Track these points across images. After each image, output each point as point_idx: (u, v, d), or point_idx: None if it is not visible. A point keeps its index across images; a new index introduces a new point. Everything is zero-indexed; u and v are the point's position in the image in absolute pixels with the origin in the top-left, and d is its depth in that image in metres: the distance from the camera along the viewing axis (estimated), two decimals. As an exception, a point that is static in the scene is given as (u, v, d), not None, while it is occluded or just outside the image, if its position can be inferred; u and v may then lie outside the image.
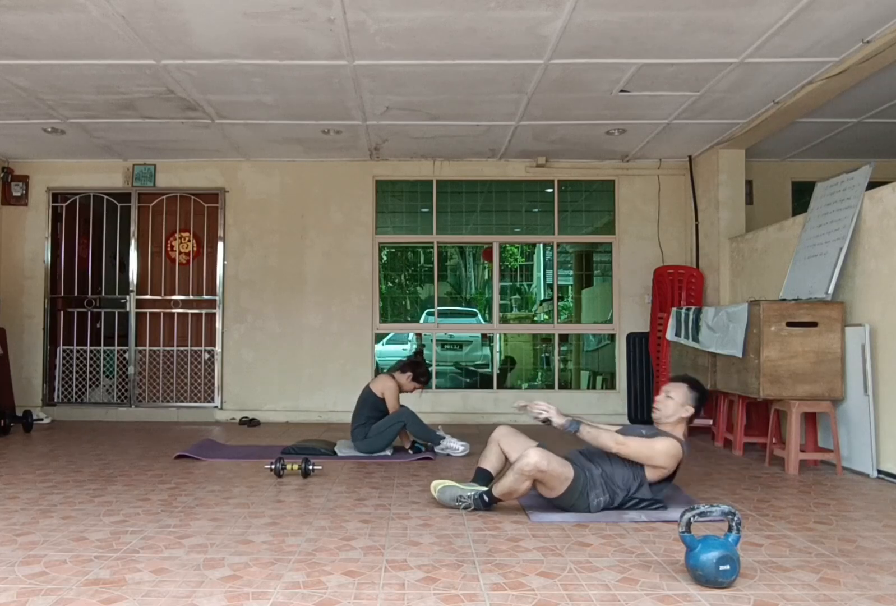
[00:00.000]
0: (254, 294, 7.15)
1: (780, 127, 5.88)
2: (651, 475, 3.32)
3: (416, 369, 5.20)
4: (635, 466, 3.32)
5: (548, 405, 3.38)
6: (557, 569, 2.58)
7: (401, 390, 5.18)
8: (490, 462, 3.66)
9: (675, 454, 3.30)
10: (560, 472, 3.20)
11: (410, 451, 5.09)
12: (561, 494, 3.25)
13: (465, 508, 3.38)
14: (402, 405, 5.18)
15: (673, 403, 3.43)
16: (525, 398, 3.58)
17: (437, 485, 3.53)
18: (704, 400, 3.50)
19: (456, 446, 5.04)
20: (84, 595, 2.30)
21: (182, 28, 4.08)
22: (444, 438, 5.06)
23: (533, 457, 3.15)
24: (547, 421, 3.33)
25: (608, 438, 3.28)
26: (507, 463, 3.64)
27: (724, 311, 5.13)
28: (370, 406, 5.06)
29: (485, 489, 3.42)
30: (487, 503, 3.35)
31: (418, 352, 5.50)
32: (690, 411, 3.43)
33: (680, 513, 2.53)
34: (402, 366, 5.25)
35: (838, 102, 5.39)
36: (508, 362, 9.00)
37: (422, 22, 4.00)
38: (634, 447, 3.27)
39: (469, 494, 3.39)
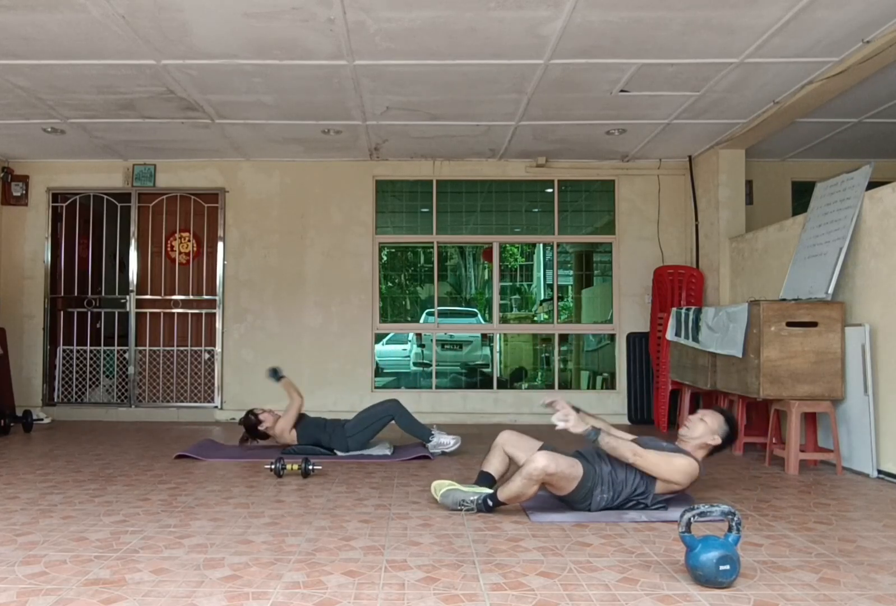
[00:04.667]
0: (254, 294, 7.15)
1: (780, 127, 5.88)
2: (661, 487, 3.33)
3: (251, 423, 5.08)
4: (646, 475, 3.32)
5: (569, 411, 3.36)
6: (557, 569, 2.58)
7: (279, 425, 5.03)
8: (493, 466, 3.66)
9: (692, 473, 3.30)
10: (569, 473, 3.20)
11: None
12: (570, 492, 3.26)
13: (467, 511, 3.38)
14: (392, 399, 5.16)
15: (704, 426, 3.43)
16: (549, 396, 3.55)
17: (438, 487, 3.52)
18: (733, 439, 3.52)
19: (447, 441, 5.01)
20: (84, 595, 2.30)
21: (182, 28, 4.08)
22: (433, 435, 5.03)
23: (541, 461, 3.14)
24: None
25: (627, 448, 3.26)
26: (511, 467, 3.65)
27: (724, 311, 5.13)
28: (308, 435, 4.97)
29: (488, 491, 3.41)
30: (491, 507, 3.34)
31: (243, 438, 5.24)
32: (717, 441, 3.42)
33: (680, 513, 2.53)
34: (255, 434, 5.10)
35: (838, 102, 5.39)
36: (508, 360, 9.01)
37: (422, 22, 4.00)
38: (652, 460, 3.26)
39: (472, 498, 3.38)
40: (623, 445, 3.28)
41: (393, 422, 5.07)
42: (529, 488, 3.20)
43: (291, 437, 5.01)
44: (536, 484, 3.19)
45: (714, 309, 5.34)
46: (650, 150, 6.73)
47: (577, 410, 3.47)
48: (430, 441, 5.01)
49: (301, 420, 5.07)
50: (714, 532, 2.85)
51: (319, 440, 4.98)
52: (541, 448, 3.46)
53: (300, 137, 6.35)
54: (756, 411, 5.38)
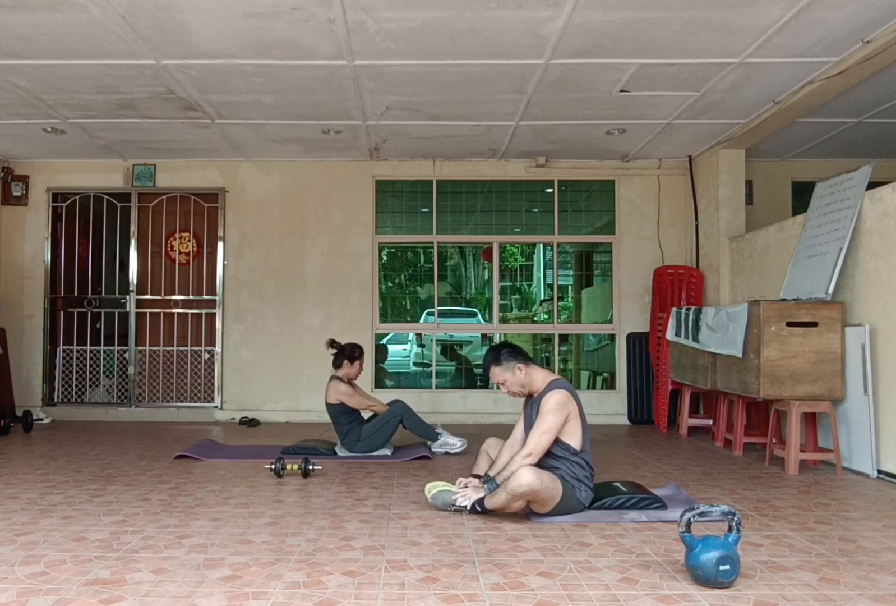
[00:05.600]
0: (254, 294, 7.15)
1: (780, 127, 5.88)
2: (570, 440, 3.31)
3: (344, 354, 5.10)
4: (560, 450, 3.31)
5: (463, 491, 3.38)
6: (557, 569, 2.58)
7: (352, 379, 5.12)
8: (482, 470, 3.66)
9: (563, 400, 3.30)
10: (552, 487, 3.18)
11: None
12: (554, 507, 3.23)
13: (455, 511, 3.38)
14: (397, 400, 5.18)
15: (509, 381, 3.46)
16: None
17: (430, 488, 3.53)
18: (512, 349, 3.51)
19: (453, 442, 5.04)
20: (84, 595, 2.30)
21: (182, 28, 4.08)
22: (440, 434, 5.06)
23: (525, 478, 3.10)
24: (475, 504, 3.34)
25: (518, 463, 3.23)
26: None
27: (724, 311, 5.13)
28: (341, 415, 5.00)
29: (478, 496, 3.41)
30: (478, 512, 3.34)
31: (331, 343, 5.25)
32: (521, 367, 3.44)
33: (680, 513, 2.53)
34: (335, 362, 5.13)
35: (838, 102, 5.39)
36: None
37: (422, 22, 4.00)
38: (538, 437, 3.26)
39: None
40: (513, 464, 3.27)
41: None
42: (514, 502, 3.18)
43: (332, 399, 4.99)
44: (521, 500, 3.16)
45: (714, 309, 5.34)
46: (650, 150, 6.73)
47: (482, 477, 3.49)
48: (437, 441, 5.05)
49: (347, 407, 5.02)
50: (714, 531, 2.85)
51: (338, 424, 4.99)
52: None
53: (300, 137, 6.35)
54: (756, 411, 5.38)
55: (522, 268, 16.55)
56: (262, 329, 7.14)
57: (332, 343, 5.19)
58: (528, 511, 3.31)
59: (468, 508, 3.35)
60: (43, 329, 7.18)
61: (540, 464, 3.33)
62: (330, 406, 5.03)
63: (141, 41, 4.25)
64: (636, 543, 2.92)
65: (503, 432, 3.96)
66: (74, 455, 4.96)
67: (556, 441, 3.32)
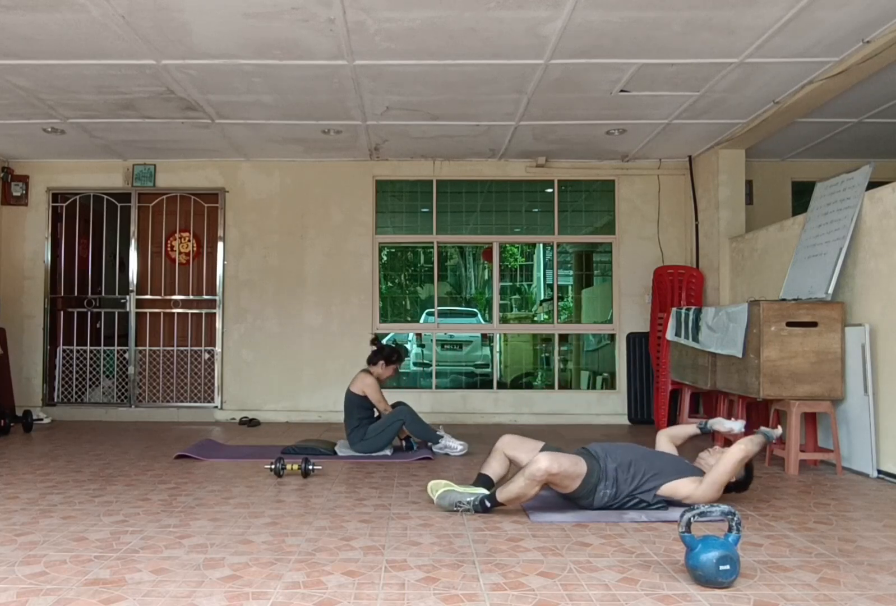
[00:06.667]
0: (254, 294, 7.15)
1: (780, 127, 5.88)
2: (667, 490, 3.33)
3: (383, 354, 5.22)
4: (658, 478, 3.34)
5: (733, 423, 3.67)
6: (557, 569, 2.58)
7: (381, 380, 5.20)
8: (492, 469, 3.63)
9: (716, 497, 3.32)
10: (571, 471, 3.20)
11: (403, 443, 5.11)
12: (575, 489, 3.27)
13: (464, 511, 3.37)
14: (401, 402, 5.19)
15: (734, 436, 3.63)
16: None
17: (434, 487, 3.51)
18: (747, 484, 3.54)
19: (454, 445, 5.05)
20: (84, 595, 2.30)
21: (182, 28, 4.08)
22: (442, 437, 5.07)
23: (543, 462, 3.13)
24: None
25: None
26: (511, 469, 3.64)
27: (724, 311, 5.13)
28: (357, 407, 5.06)
29: (484, 492, 3.40)
30: (488, 508, 3.33)
31: (374, 340, 5.46)
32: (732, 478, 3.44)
33: (680, 513, 2.53)
34: (371, 359, 5.25)
35: (838, 102, 5.39)
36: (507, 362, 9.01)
37: (422, 22, 4.00)
38: (723, 478, 3.32)
39: (469, 499, 3.36)
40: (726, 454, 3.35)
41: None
42: (531, 489, 3.18)
43: (357, 389, 5.08)
44: (539, 485, 3.18)
45: (714, 309, 5.34)
46: (650, 150, 6.73)
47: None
48: (438, 444, 5.06)
49: (367, 402, 5.10)
50: (714, 532, 2.85)
51: (350, 416, 5.05)
52: (542, 449, 3.46)
53: (300, 137, 6.35)
54: (756, 411, 5.38)
55: (522, 268, 16.54)
56: (262, 329, 7.14)
57: (374, 340, 5.40)
58: (525, 505, 3.33)
59: (474, 507, 3.34)
60: (43, 329, 7.18)
61: (622, 450, 3.42)
62: (351, 396, 5.09)
63: (141, 41, 4.25)
64: (636, 543, 2.92)
65: (503, 432, 3.96)
66: (74, 455, 4.96)
67: (683, 472, 3.39)
